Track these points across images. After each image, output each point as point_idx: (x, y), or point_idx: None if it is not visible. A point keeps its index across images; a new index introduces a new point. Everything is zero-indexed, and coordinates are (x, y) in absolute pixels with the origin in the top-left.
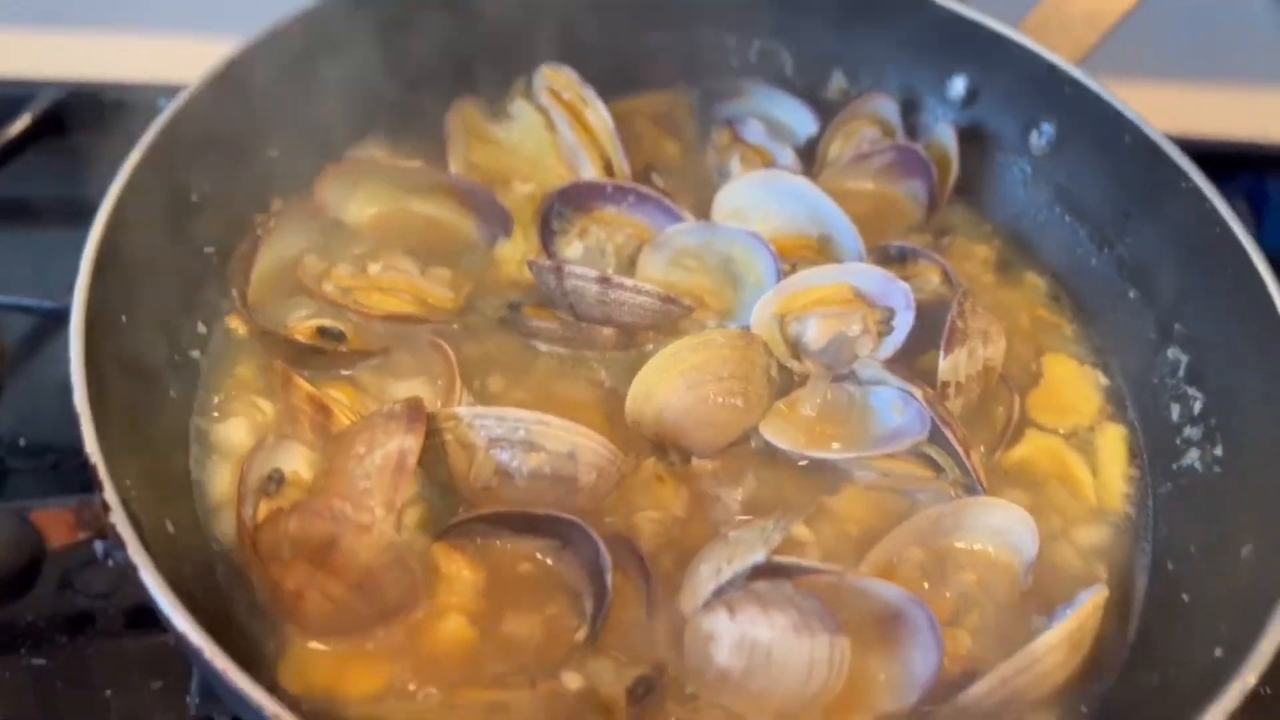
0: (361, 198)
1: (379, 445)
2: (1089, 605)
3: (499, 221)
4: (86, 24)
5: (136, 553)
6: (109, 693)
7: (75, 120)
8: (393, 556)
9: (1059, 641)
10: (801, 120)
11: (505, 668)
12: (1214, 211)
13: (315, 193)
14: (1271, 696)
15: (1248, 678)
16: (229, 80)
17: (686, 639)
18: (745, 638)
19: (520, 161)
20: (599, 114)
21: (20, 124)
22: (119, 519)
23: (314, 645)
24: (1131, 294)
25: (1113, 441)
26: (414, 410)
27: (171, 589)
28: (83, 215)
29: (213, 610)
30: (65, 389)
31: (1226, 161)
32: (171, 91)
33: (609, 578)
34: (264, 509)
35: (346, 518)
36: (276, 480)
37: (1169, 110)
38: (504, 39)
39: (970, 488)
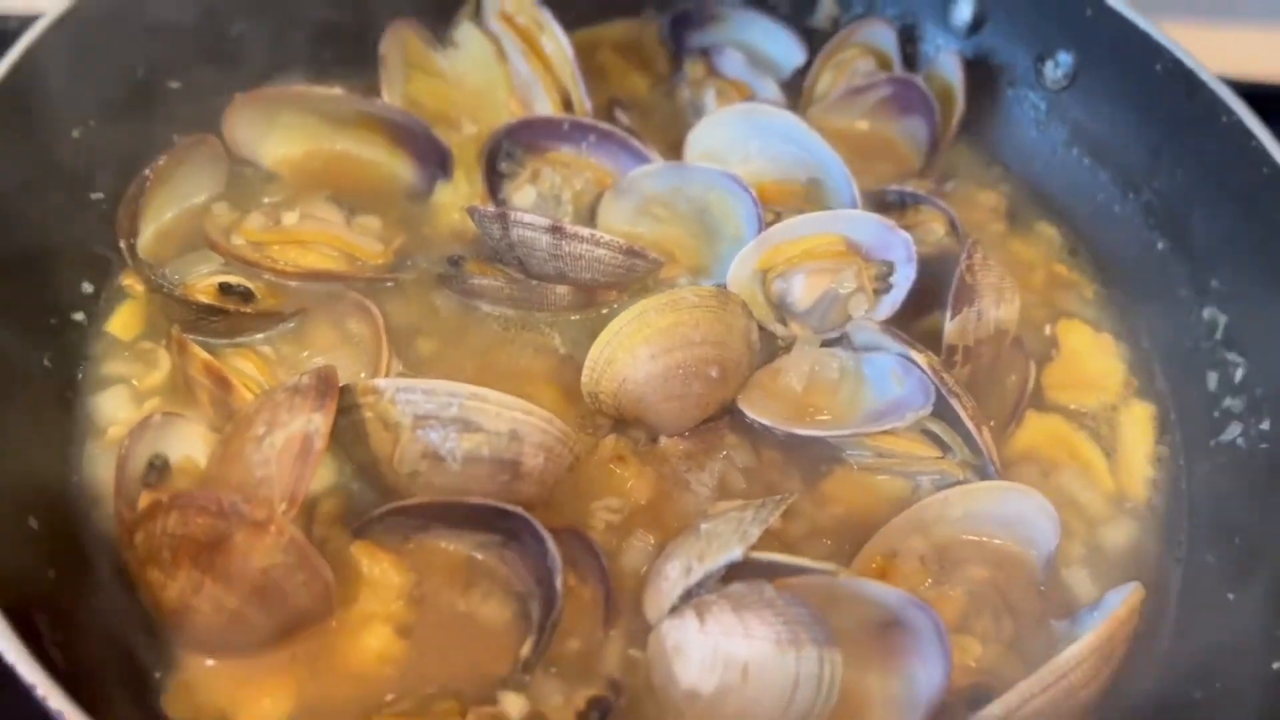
0: (278, 136)
1: (281, 425)
2: (1123, 609)
3: (437, 161)
4: None
5: None
6: None
7: None
8: (296, 558)
9: (1088, 653)
10: (786, 50)
11: (436, 688)
12: (1260, 149)
13: (224, 128)
14: None
15: None
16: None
17: (650, 651)
18: (718, 652)
19: (467, 96)
20: (557, 41)
21: None
22: None
23: (207, 662)
24: (1161, 245)
25: (1139, 421)
26: (324, 383)
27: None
28: None
29: (83, 628)
30: None
31: (1265, 102)
32: None
33: (559, 579)
34: (146, 500)
35: (238, 513)
36: (159, 467)
37: (1202, 49)
38: None
39: (981, 470)
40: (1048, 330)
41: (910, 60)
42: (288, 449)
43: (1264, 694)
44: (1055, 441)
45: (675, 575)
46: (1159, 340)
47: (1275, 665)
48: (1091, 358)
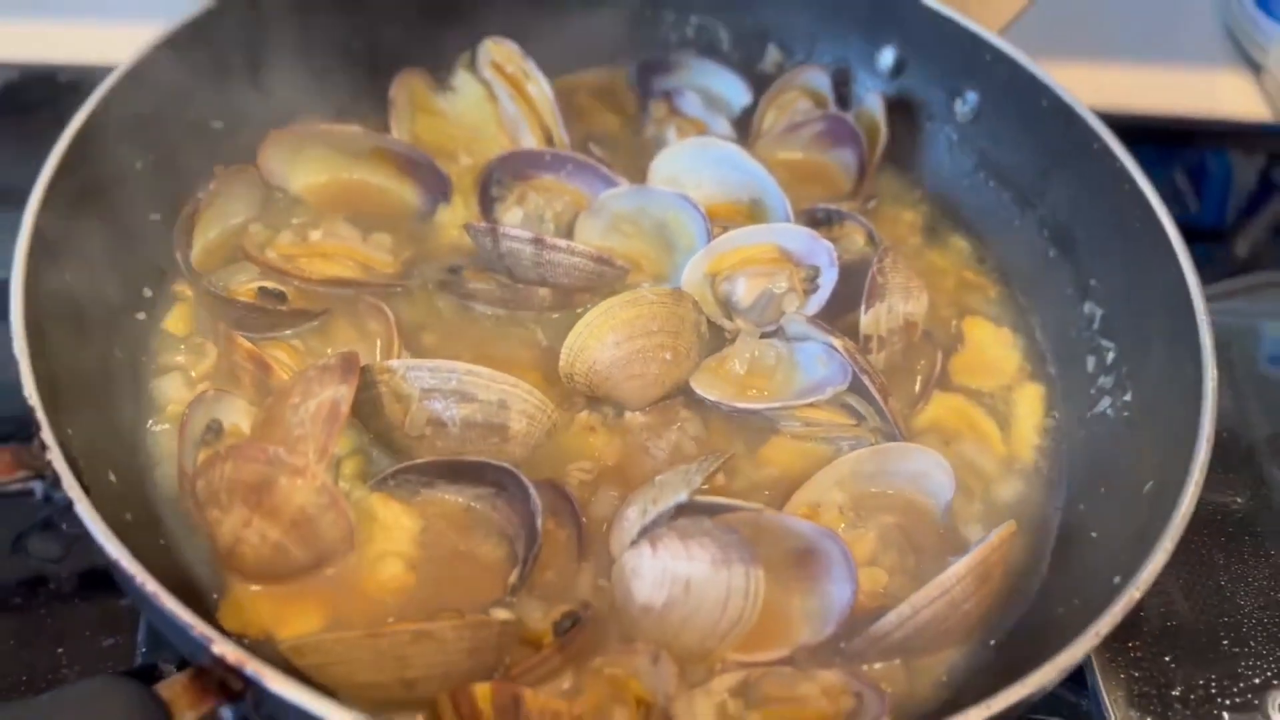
0: (304, 167)
1: (313, 395)
2: (995, 539)
3: (439, 188)
4: (40, 9)
5: (71, 487)
6: (61, 650)
7: (29, 100)
8: (327, 499)
9: (966, 572)
10: (736, 91)
11: (439, 609)
12: (1123, 169)
13: (259, 160)
14: None
15: (1133, 593)
16: (165, 57)
17: (614, 577)
18: (666, 571)
19: (463, 132)
20: (540, 86)
21: None
22: (55, 456)
23: (253, 588)
24: (1051, 253)
25: (1030, 399)
26: (348, 362)
27: (108, 525)
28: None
29: (153, 557)
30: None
31: (1166, 138)
32: None
33: (539, 521)
34: (203, 456)
35: (280, 460)
36: (215, 430)
37: (1107, 87)
38: (450, 14)
39: (889, 434)
40: (955, 326)
41: (843, 100)
42: (319, 413)
43: (1105, 601)
44: (957, 416)
45: (634, 517)
46: (1049, 331)
47: (1115, 580)
48: (992, 347)
